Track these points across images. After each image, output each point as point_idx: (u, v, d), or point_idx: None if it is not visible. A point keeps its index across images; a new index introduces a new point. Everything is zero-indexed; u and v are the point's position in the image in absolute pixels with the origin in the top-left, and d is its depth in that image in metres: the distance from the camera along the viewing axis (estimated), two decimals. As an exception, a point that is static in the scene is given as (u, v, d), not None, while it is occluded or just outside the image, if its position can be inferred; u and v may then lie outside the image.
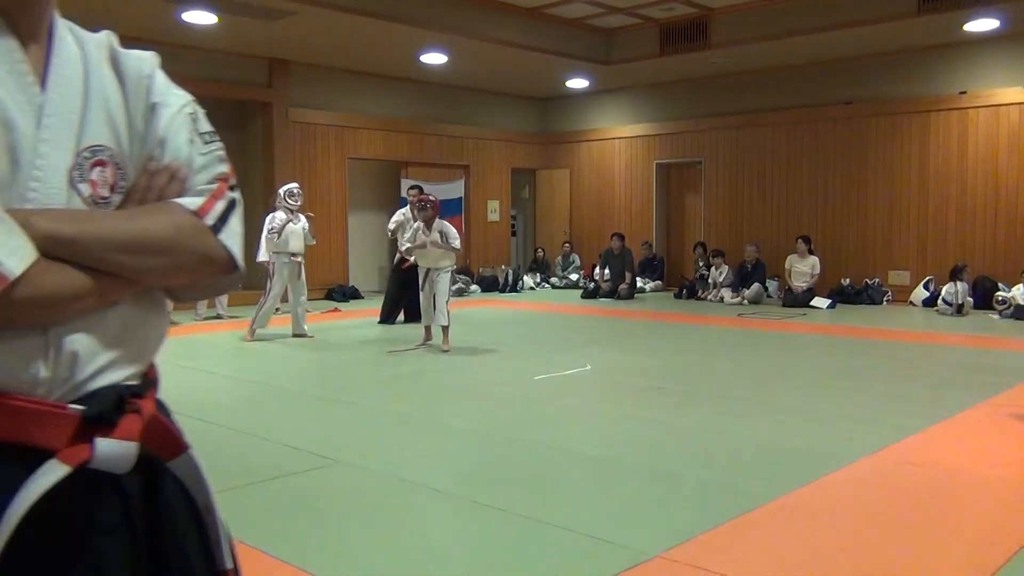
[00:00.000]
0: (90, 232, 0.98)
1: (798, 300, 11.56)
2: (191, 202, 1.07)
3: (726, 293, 12.37)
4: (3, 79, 0.97)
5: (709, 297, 12.65)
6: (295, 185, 8.68)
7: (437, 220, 7.71)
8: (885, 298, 11.79)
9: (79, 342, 0.98)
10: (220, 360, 7.49)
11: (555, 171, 16.05)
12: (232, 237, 1.09)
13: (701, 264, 13.30)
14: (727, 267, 12.67)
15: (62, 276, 0.95)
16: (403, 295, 9.45)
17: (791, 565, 2.94)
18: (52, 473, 0.94)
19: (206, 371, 6.80)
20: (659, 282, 14.20)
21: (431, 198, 7.97)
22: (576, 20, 11.76)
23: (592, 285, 13.43)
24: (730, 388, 6.09)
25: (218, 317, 10.06)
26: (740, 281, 12.41)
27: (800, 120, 12.76)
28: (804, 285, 11.75)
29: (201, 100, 1.22)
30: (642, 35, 12.16)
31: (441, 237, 7.59)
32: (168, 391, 1.15)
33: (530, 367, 6.82)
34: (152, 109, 1.10)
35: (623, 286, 12.83)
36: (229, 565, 1.12)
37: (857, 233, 12.33)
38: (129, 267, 1.00)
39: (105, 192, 1.04)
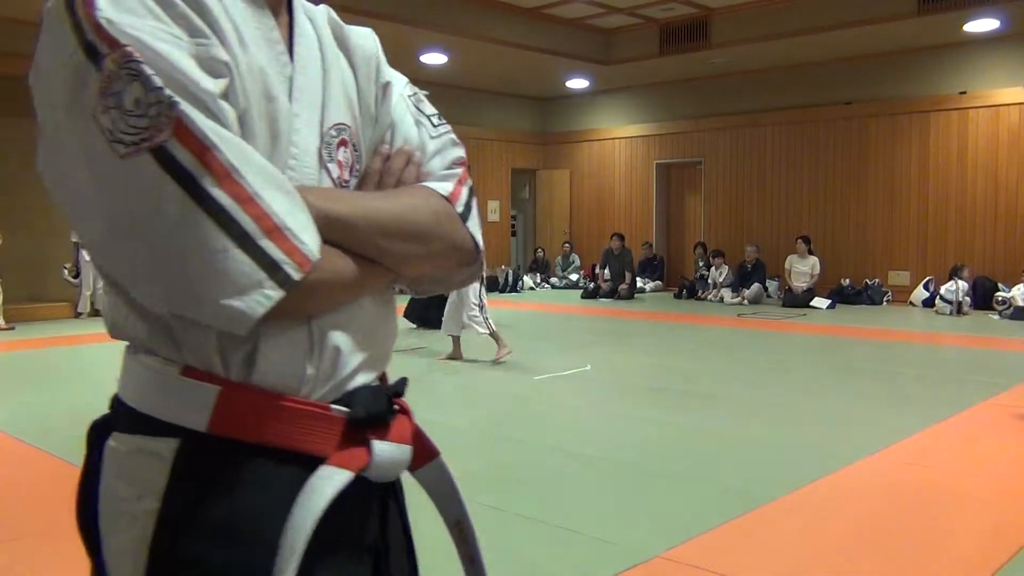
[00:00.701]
0: (363, 214, 0.89)
1: (798, 300, 11.55)
2: (441, 187, 0.99)
3: (726, 293, 12.37)
4: (261, 48, 0.88)
5: (709, 297, 12.65)
6: None
7: None
8: (885, 298, 11.79)
9: (339, 337, 0.89)
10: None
11: (555, 171, 16.05)
12: (476, 226, 1.03)
13: (701, 264, 13.30)
14: (727, 267, 12.66)
15: (339, 261, 0.86)
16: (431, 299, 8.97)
17: (791, 565, 2.94)
18: (333, 479, 0.84)
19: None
20: (659, 282, 14.20)
21: None
22: (576, 20, 11.76)
23: (592, 285, 13.43)
24: (730, 388, 6.08)
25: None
26: (740, 281, 12.40)
27: (800, 120, 12.76)
28: (804, 285, 11.75)
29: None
30: (642, 35, 12.16)
31: None
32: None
33: (530, 367, 6.83)
34: (384, 90, 1.04)
35: (623, 286, 12.83)
36: None
37: (857, 233, 12.33)
38: (392, 253, 0.92)
39: (346, 175, 0.96)
